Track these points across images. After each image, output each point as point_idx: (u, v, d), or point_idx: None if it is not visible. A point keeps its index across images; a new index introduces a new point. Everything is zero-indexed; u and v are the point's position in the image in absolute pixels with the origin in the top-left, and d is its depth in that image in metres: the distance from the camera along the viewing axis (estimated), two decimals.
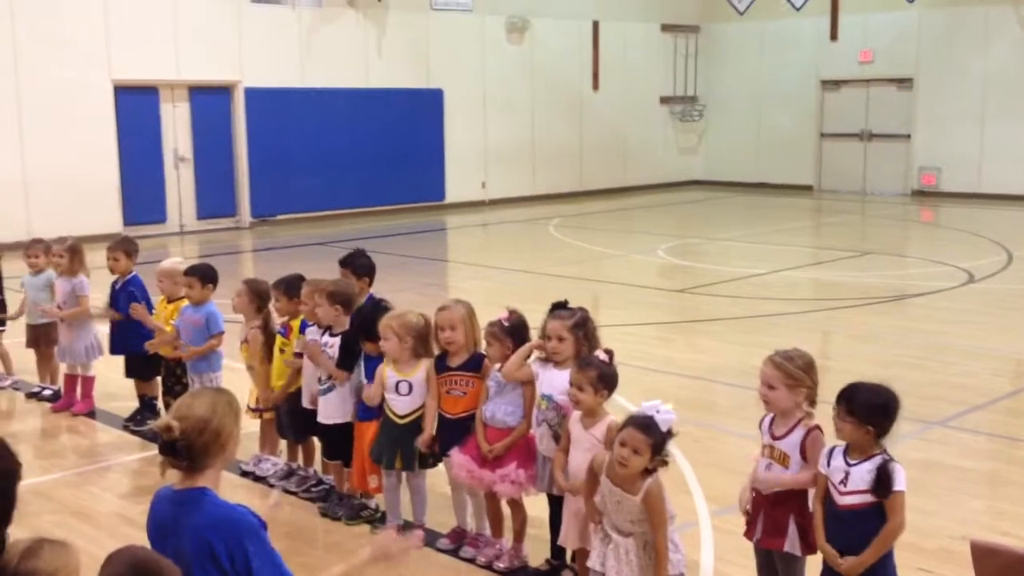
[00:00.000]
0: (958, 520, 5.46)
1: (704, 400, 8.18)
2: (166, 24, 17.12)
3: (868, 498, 3.79)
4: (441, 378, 5.19)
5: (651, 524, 4.03)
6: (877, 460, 3.80)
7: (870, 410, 3.81)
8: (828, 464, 3.92)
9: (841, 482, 3.85)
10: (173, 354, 6.89)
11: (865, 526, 3.81)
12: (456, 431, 5.15)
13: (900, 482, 3.77)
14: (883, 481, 3.77)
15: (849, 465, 3.85)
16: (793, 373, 4.04)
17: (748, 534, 4.23)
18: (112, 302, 7.53)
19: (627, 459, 3.97)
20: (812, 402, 4.10)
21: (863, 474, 3.80)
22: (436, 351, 5.27)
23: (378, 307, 5.60)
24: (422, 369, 5.23)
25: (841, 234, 18.11)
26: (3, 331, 8.54)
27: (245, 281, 6.40)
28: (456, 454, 5.11)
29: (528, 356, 4.87)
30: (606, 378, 4.43)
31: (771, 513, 4.11)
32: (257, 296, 6.30)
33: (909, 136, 22.22)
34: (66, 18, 16.13)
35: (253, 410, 6.35)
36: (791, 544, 4.07)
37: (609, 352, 4.51)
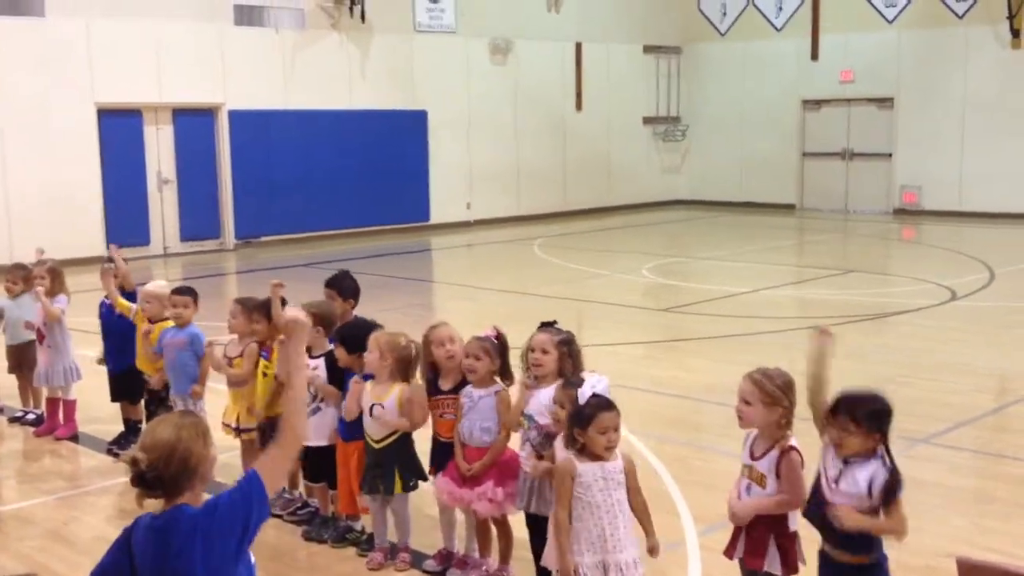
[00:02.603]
0: (944, 537, 5.47)
1: (689, 419, 8.19)
2: (149, 47, 17.11)
3: (860, 501, 3.76)
4: (434, 401, 5.18)
5: (632, 487, 4.22)
6: (873, 466, 3.77)
7: (875, 417, 3.79)
8: (824, 459, 3.90)
9: (835, 480, 3.83)
10: (156, 374, 6.86)
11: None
12: (449, 455, 5.13)
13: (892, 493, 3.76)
14: (891, 491, 3.75)
15: (844, 465, 3.82)
16: (771, 392, 4.03)
17: (728, 552, 4.23)
18: (103, 318, 7.48)
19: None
20: (788, 422, 4.09)
21: (859, 477, 3.77)
22: (419, 376, 5.28)
23: (365, 321, 5.59)
24: (394, 394, 5.22)
25: (824, 252, 18.20)
26: None
27: (238, 300, 6.36)
28: (438, 477, 5.13)
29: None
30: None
31: (751, 532, 4.11)
32: (252, 313, 6.28)
33: (890, 155, 22.39)
34: (49, 41, 16.11)
35: (231, 428, 6.31)
36: (771, 563, 4.06)
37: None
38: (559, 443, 4.52)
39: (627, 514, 4.23)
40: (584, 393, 4.17)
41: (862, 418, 3.78)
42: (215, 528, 2.89)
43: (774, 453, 4.03)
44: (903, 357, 9.78)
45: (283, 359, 3.16)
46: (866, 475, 3.77)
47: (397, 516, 5.40)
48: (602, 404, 4.17)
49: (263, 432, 6.20)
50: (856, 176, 23.05)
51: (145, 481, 2.89)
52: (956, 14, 21.19)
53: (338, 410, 5.60)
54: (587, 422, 4.14)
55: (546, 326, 4.91)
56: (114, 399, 7.51)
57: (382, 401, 5.22)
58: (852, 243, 19.59)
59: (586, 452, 4.20)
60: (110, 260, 7.52)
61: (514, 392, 5.00)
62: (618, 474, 4.20)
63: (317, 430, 5.67)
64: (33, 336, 7.91)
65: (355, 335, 5.45)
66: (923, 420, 7.37)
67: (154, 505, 2.97)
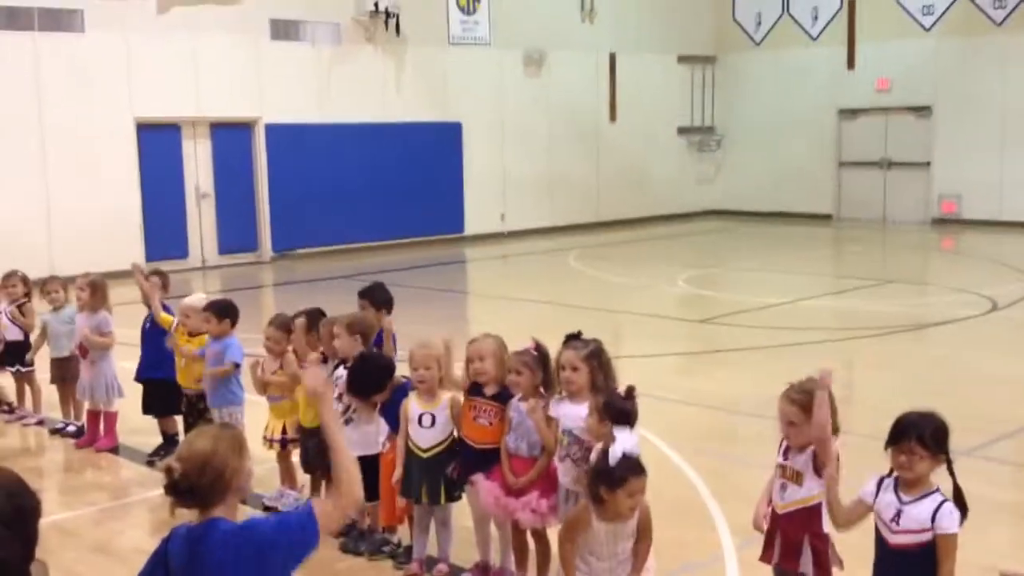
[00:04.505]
0: (985, 550, 5.38)
1: (726, 431, 8.14)
2: (187, 62, 17.32)
3: (922, 537, 3.70)
4: (471, 402, 5.18)
5: (642, 537, 4.17)
6: (936, 498, 3.72)
7: (940, 437, 3.73)
8: (875, 497, 3.83)
9: (893, 520, 3.76)
10: (195, 387, 6.92)
11: (918, 566, 3.71)
12: (481, 462, 5.12)
13: (956, 524, 3.71)
14: (964, 512, 3.72)
15: (903, 503, 3.75)
16: (811, 406, 4.01)
17: (765, 557, 4.21)
18: (144, 339, 7.59)
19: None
20: (835, 431, 4.06)
21: (920, 513, 3.71)
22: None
23: (368, 362, 5.57)
24: (445, 400, 5.24)
25: (861, 263, 18.04)
26: (32, 369, 8.59)
27: (273, 323, 6.38)
28: (482, 480, 5.09)
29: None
30: (611, 408, 4.40)
31: (787, 532, 4.10)
32: (287, 330, 6.33)
33: (928, 164, 22.17)
34: (88, 57, 16.34)
35: (275, 442, 6.35)
36: (805, 565, 4.05)
37: (630, 388, 4.49)
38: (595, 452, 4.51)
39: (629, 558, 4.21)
40: (615, 453, 4.04)
41: (929, 440, 3.70)
42: (249, 548, 2.89)
43: (810, 450, 4.01)
44: (943, 368, 9.67)
45: (322, 426, 3.18)
46: (929, 506, 3.71)
47: (443, 526, 5.40)
48: (634, 467, 4.02)
49: (304, 445, 6.24)
50: (894, 185, 22.85)
51: (178, 490, 2.92)
52: (994, 21, 20.98)
53: (371, 422, 5.62)
54: (617, 484, 3.99)
55: (571, 339, 4.89)
56: (145, 411, 7.58)
57: (432, 410, 5.22)
58: (890, 253, 19.41)
59: (605, 508, 4.08)
60: (156, 273, 7.65)
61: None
62: (630, 529, 4.14)
63: (351, 442, 5.64)
64: (75, 350, 8.03)
65: (363, 382, 5.49)
66: (964, 433, 7.22)
67: (189, 515, 2.99)
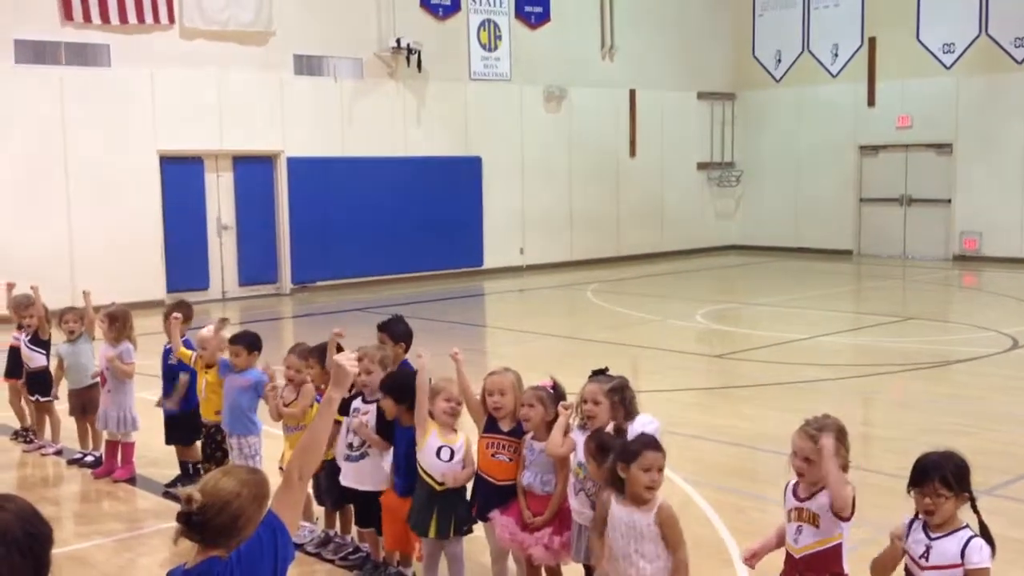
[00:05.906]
0: None
1: (746, 468, 8.08)
2: (211, 96, 17.51)
3: (951, 573, 3.68)
4: (489, 438, 5.17)
5: (669, 542, 4.08)
6: (965, 534, 3.71)
7: (962, 475, 3.73)
8: (907, 537, 3.82)
9: (922, 556, 3.74)
10: (215, 418, 6.93)
11: None
12: (499, 498, 5.11)
13: (987, 558, 3.70)
14: (992, 547, 3.71)
15: (931, 539, 3.74)
16: None
17: None
18: (164, 362, 7.63)
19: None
20: (845, 468, 4.03)
21: (949, 548, 3.70)
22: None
23: (412, 371, 5.59)
24: (463, 439, 5.24)
25: (882, 299, 17.95)
26: (50, 400, 8.63)
27: (295, 352, 6.40)
28: (499, 516, 5.08)
29: (565, 430, 4.85)
30: (606, 452, 4.40)
31: (805, 573, 4.05)
32: (306, 358, 6.34)
33: (949, 201, 22.10)
34: (114, 91, 16.55)
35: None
36: None
37: (617, 426, 4.50)
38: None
39: (652, 566, 4.13)
40: (634, 430, 4.14)
41: (952, 479, 3.71)
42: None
43: (826, 495, 3.97)
44: (964, 406, 9.58)
45: (323, 402, 3.23)
46: (958, 542, 3.70)
47: (453, 560, 5.37)
48: (648, 442, 4.12)
49: (316, 475, 6.24)
50: (914, 222, 22.78)
51: (190, 521, 2.91)
52: (1015, 60, 20.97)
53: (384, 458, 5.61)
54: (632, 458, 4.08)
55: (597, 374, 4.89)
56: (168, 442, 7.62)
57: (451, 445, 5.21)
58: (911, 290, 19.31)
59: (623, 489, 4.13)
60: (180, 305, 7.68)
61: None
62: (647, 526, 4.12)
63: (366, 476, 5.68)
64: (92, 379, 8.09)
65: (403, 385, 5.45)
66: (985, 471, 7.17)
67: (186, 553, 2.98)
